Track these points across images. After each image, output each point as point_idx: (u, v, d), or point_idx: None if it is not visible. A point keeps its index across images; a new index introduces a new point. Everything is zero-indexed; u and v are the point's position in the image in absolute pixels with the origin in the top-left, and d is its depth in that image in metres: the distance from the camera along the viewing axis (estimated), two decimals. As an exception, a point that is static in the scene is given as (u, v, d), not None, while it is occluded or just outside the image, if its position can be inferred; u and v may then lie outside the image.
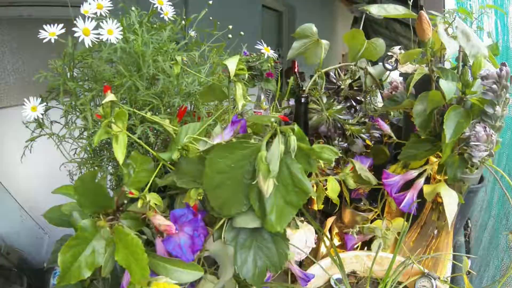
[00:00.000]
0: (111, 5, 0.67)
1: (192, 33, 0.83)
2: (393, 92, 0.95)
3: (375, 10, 0.79)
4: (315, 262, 0.81)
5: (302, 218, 0.81)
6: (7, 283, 1.25)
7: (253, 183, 0.63)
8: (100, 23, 0.65)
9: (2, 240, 1.31)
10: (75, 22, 0.65)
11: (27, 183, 1.32)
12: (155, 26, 0.74)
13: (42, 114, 0.72)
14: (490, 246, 1.08)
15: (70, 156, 0.81)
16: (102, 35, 0.64)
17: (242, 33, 0.91)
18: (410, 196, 0.81)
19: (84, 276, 0.57)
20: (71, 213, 0.68)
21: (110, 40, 0.64)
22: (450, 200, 0.76)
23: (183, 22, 0.79)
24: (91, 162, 0.82)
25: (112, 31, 0.64)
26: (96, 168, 0.82)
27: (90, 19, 0.65)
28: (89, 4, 0.66)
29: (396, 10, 0.79)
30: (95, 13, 0.66)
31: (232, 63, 0.70)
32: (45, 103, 0.73)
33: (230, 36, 0.87)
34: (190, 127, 0.72)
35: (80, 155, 0.81)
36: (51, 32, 0.65)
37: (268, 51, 0.93)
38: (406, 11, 0.80)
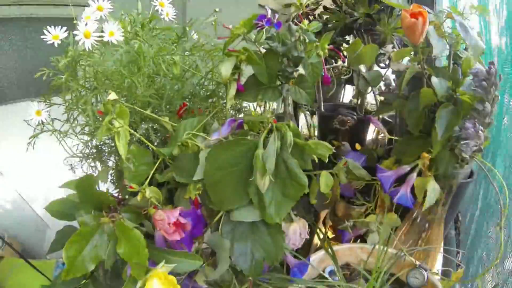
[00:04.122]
0: (112, 8, 0.68)
1: (195, 36, 0.84)
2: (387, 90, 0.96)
3: None
4: (309, 254, 0.83)
5: (296, 212, 0.83)
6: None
7: (250, 179, 0.65)
8: (102, 25, 0.66)
9: (5, 231, 1.33)
10: (75, 21, 0.66)
11: (30, 176, 1.34)
12: (156, 27, 0.76)
13: (45, 119, 0.74)
14: (476, 238, 1.10)
15: (72, 151, 0.83)
16: (103, 37, 0.65)
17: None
18: (404, 190, 0.83)
19: (88, 270, 0.60)
20: (73, 206, 0.69)
21: (111, 42, 0.65)
22: (431, 194, 0.78)
23: (187, 28, 0.80)
24: (92, 156, 0.84)
25: (113, 33, 0.65)
26: (97, 162, 0.84)
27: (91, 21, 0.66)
28: (91, 7, 0.67)
29: (396, -1, 0.80)
30: (97, 17, 0.67)
31: (226, 68, 0.72)
32: (48, 107, 0.75)
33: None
34: (188, 123, 0.74)
35: (81, 150, 0.83)
36: (54, 35, 0.66)
37: None
38: (404, 3, 0.81)
